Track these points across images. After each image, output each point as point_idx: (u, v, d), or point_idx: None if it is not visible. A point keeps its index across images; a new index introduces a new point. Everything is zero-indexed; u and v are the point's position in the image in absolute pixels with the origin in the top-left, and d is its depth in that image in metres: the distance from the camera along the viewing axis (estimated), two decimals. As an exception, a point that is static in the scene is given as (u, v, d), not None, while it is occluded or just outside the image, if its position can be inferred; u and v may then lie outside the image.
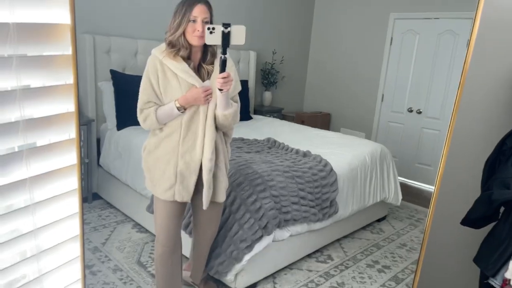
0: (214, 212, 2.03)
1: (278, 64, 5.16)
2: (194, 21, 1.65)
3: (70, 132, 0.77)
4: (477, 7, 1.43)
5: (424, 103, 4.72)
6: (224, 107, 1.71)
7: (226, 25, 1.51)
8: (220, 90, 1.61)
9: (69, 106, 0.75)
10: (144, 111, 1.77)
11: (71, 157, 0.79)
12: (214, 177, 1.84)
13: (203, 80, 1.76)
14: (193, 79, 1.72)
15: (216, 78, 1.59)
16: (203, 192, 1.82)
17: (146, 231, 3.03)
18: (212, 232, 2.11)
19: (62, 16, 0.70)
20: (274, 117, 4.98)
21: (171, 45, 1.72)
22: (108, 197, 3.47)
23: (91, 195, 3.45)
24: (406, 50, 4.80)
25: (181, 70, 1.71)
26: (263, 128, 4.03)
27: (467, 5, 4.25)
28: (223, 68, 1.56)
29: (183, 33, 1.69)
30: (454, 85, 4.45)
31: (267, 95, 5.12)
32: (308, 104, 5.89)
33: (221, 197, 1.92)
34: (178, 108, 1.72)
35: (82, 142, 3.29)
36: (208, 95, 1.72)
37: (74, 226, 0.83)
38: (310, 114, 5.38)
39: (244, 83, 4.41)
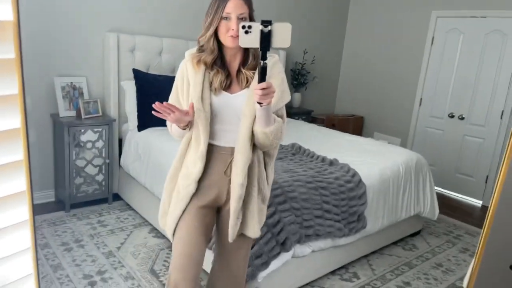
0: (241, 245, 1.63)
1: (309, 64, 4.94)
2: (227, 18, 1.38)
3: (17, 152, 0.63)
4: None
5: (467, 108, 4.35)
6: (265, 123, 1.39)
7: (266, 23, 1.22)
8: (259, 103, 1.30)
9: (14, 121, 0.61)
10: None
11: (18, 183, 0.65)
12: (245, 206, 1.54)
13: (242, 88, 1.50)
14: (196, 94, 1.46)
15: (254, 89, 1.28)
16: (229, 222, 1.53)
17: (163, 236, 2.92)
18: (235, 274, 1.67)
19: (2, 11, 0.56)
20: (303, 119, 4.77)
21: (200, 49, 1.50)
22: (128, 199, 3.40)
23: (111, 196, 3.40)
24: (448, 51, 4.44)
25: (193, 82, 1.48)
26: (289, 132, 3.84)
27: (520, 1, 3.85)
28: (262, 77, 1.25)
29: (215, 34, 1.44)
30: (501, 89, 4.06)
31: (297, 96, 4.91)
32: (339, 107, 5.63)
33: (251, 232, 1.57)
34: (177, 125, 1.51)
35: (104, 142, 3.24)
36: (179, 115, 1.39)
37: (25, 264, 0.70)
38: (342, 117, 5.12)
39: (272, 84, 4.22)
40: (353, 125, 5.17)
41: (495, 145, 4.17)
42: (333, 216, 2.42)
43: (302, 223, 2.26)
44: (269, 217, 2.10)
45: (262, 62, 1.24)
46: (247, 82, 1.49)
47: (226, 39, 1.42)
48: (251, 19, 1.45)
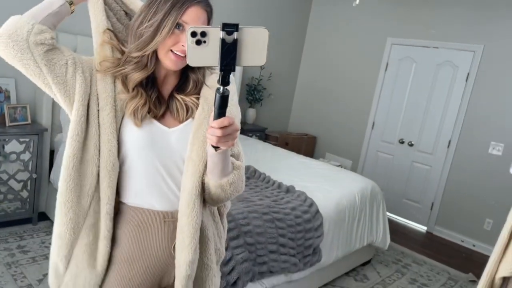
0: None
1: (265, 81, 4.80)
2: (179, 26, 0.95)
3: None
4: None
5: (416, 135, 4.43)
6: (221, 172, 0.98)
7: (230, 28, 0.78)
8: (215, 148, 0.89)
9: None
10: None
11: None
12: (199, 283, 1.11)
13: (180, 122, 1.05)
14: (108, 120, 1.00)
15: (209, 128, 0.85)
16: None
17: (96, 266, 2.57)
18: None
19: None
20: (256, 136, 4.60)
21: (121, 60, 1.00)
22: (57, 219, 2.99)
23: (36, 216, 2.96)
24: (401, 78, 4.51)
25: (104, 99, 1.00)
26: (244, 152, 3.64)
27: (469, 37, 4.00)
28: (221, 110, 0.83)
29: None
30: (449, 119, 4.18)
31: (251, 112, 4.74)
32: (293, 125, 5.54)
33: None
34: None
35: (31, 154, 2.82)
36: None
37: None
38: (295, 136, 5.03)
39: (227, 99, 4.01)
40: (306, 144, 5.10)
41: (441, 173, 4.27)
42: (288, 250, 2.24)
43: (255, 259, 2.05)
44: (220, 254, 1.87)
45: (222, 88, 0.80)
46: (187, 111, 1.05)
47: (166, 55, 0.97)
48: None
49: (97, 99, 1.00)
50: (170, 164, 1.04)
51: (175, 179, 1.05)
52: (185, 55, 0.92)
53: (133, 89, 1.01)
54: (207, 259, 1.10)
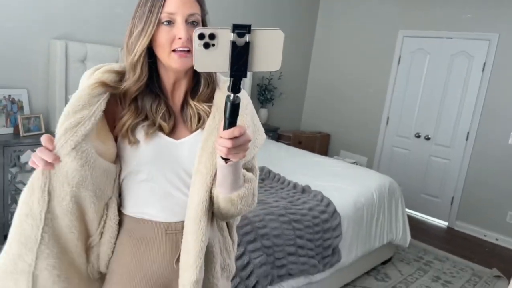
0: None
1: (276, 80, 4.76)
2: (169, 22, 0.89)
3: None
4: None
5: (433, 129, 4.33)
6: (231, 185, 0.91)
7: (242, 29, 0.71)
8: (225, 160, 0.82)
9: None
10: None
11: None
12: None
13: (191, 132, 0.99)
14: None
15: (217, 138, 0.78)
16: None
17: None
18: None
19: None
20: (269, 137, 4.56)
21: (117, 74, 0.96)
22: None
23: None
24: (415, 71, 4.42)
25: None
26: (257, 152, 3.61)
27: (484, 26, 3.89)
28: (232, 119, 0.75)
29: (146, 49, 0.91)
30: (467, 110, 4.07)
31: (263, 112, 4.70)
32: (306, 124, 5.48)
33: None
34: None
35: (46, 164, 2.83)
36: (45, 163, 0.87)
37: None
38: (309, 134, 4.97)
39: (238, 100, 3.99)
40: (320, 142, 5.04)
41: (460, 166, 4.16)
42: (307, 252, 2.20)
43: (274, 262, 2.01)
44: (237, 258, 1.84)
45: (232, 95, 0.73)
46: (199, 120, 0.99)
47: (169, 57, 0.90)
48: (204, 25, 0.95)
49: None
50: (175, 177, 0.99)
51: (181, 191, 0.99)
52: (188, 49, 0.88)
53: (129, 105, 0.95)
54: (212, 277, 1.03)
